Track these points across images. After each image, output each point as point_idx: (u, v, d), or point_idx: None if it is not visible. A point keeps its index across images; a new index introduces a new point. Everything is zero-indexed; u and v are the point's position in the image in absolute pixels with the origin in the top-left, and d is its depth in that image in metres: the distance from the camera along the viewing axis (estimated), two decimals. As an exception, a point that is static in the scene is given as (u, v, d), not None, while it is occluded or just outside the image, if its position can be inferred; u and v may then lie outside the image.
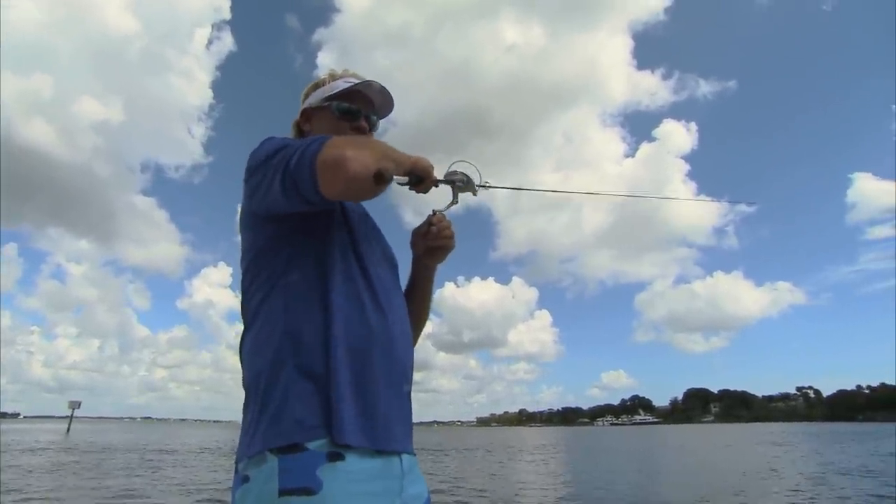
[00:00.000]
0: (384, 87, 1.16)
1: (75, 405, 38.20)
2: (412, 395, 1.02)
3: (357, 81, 1.15)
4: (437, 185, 0.97)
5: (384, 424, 0.87)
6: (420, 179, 0.91)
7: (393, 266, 1.11)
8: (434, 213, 1.14)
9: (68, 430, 45.18)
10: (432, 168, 0.94)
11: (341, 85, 1.16)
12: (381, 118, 1.22)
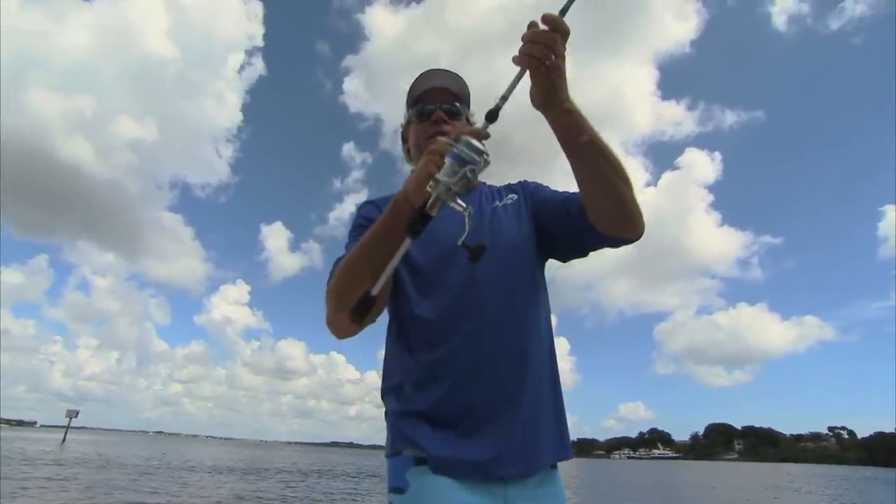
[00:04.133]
0: (441, 70, 1.18)
1: (73, 414, 36.93)
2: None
3: (418, 78, 1.20)
4: (449, 199, 0.81)
5: (464, 432, 0.97)
6: (424, 218, 0.79)
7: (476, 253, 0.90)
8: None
9: (63, 440, 43.95)
10: (420, 175, 0.85)
11: (414, 92, 1.21)
12: (463, 99, 1.20)
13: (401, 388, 1.03)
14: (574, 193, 1.07)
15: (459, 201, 0.81)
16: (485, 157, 0.79)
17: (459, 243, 0.82)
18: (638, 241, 1.05)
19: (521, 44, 0.83)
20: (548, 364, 1.06)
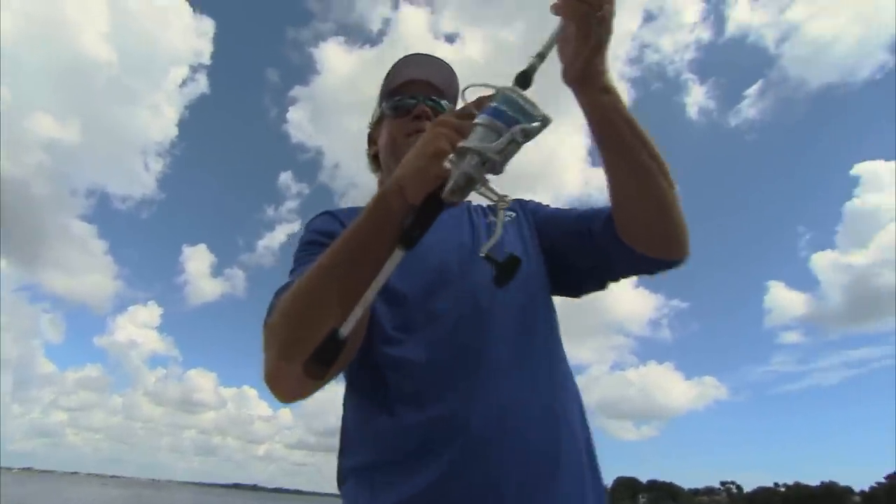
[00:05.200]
0: (426, 56, 0.95)
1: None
2: None
3: (395, 65, 0.95)
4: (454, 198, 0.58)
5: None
6: (429, 213, 0.59)
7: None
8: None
9: None
10: (421, 157, 0.61)
11: (390, 79, 0.96)
12: (450, 97, 0.96)
13: (373, 468, 0.72)
14: (593, 209, 0.88)
15: (494, 188, 0.58)
16: (542, 114, 0.57)
17: (482, 255, 0.58)
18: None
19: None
20: (580, 422, 0.79)
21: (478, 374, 0.72)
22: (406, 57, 0.94)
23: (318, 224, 0.89)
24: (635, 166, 0.73)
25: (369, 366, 0.76)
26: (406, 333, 0.76)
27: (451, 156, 0.57)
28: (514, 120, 0.57)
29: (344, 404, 0.83)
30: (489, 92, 0.61)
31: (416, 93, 0.93)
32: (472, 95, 0.64)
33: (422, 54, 0.95)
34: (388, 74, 0.96)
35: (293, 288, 0.67)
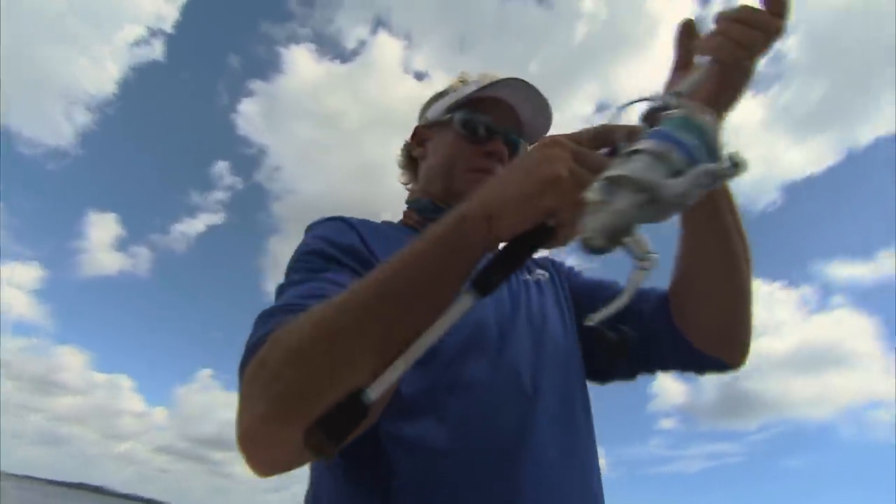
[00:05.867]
0: (533, 88, 0.78)
1: None
2: None
3: (492, 82, 0.78)
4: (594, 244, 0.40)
5: None
6: (539, 236, 0.44)
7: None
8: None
9: None
10: (547, 183, 0.43)
11: (471, 88, 0.79)
12: (532, 139, 0.81)
13: None
14: (640, 290, 0.67)
15: (643, 240, 0.40)
16: (739, 157, 0.39)
17: (592, 323, 0.42)
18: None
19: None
20: None
21: (521, 468, 0.57)
22: (507, 78, 0.79)
23: (330, 232, 0.66)
24: (727, 247, 0.64)
25: (368, 440, 0.55)
26: (428, 403, 0.58)
27: (596, 184, 0.40)
28: (695, 156, 0.40)
29: (314, 481, 0.64)
30: (636, 109, 0.49)
31: (503, 125, 0.79)
32: (600, 118, 0.54)
33: (526, 81, 0.79)
34: (470, 80, 0.84)
35: (312, 319, 0.46)
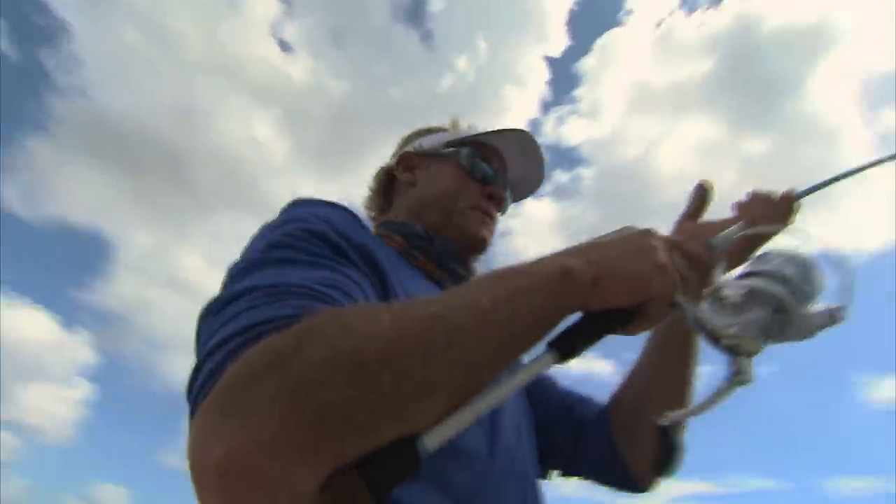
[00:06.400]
0: (537, 147, 0.82)
1: None
2: None
3: (496, 130, 0.81)
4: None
5: None
6: (627, 316, 0.45)
7: None
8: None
9: None
10: (659, 269, 0.45)
11: (470, 132, 0.83)
12: (517, 199, 0.89)
13: None
14: (583, 396, 0.81)
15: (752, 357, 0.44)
16: (837, 311, 0.46)
17: (667, 422, 0.46)
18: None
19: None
20: None
21: None
22: (520, 130, 0.81)
23: (341, 222, 0.55)
24: (689, 378, 0.70)
25: None
26: (430, 469, 0.46)
27: (737, 287, 0.46)
28: (810, 295, 0.46)
29: None
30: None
31: (503, 173, 0.83)
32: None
33: (533, 139, 0.82)
34: (462, 125, 0.87)
35: (385, 324, 0.36)
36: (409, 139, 0.89)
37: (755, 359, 0.43)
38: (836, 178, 0.61)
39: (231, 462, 0.31)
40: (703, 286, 0.48)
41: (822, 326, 0.44)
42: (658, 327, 0.66)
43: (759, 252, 0.52)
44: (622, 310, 0.44)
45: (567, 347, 0.41)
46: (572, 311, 0.43)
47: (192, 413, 0.37)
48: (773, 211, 0.63)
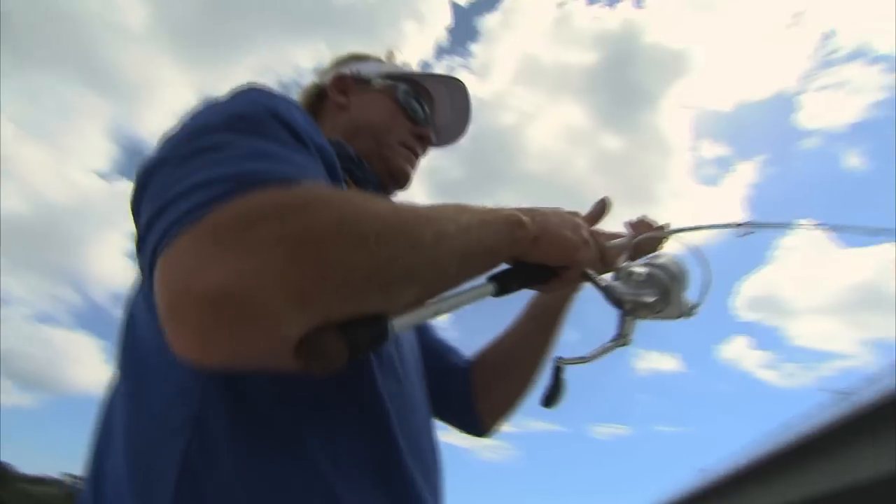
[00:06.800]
0: (467, 99, 0.87)
1: None
2: None
3: (434, 75, 0.85)
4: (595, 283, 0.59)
5: None
6: (549, 274, 0.56)
7: None
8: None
9: None
10: (582, 244, 0.58)
11: (408, 69, 0.87)
12: (437, 145, 0.90)
13: None
14: (451, 345, 0.88)
15: (635, 325, 0.58)
16: (690, 307, 0.63)
17: (558, 363, 0.56)
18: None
19: None
20: None
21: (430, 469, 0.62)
22: (453, 78, 0.86)
23: (299, 115, 0.53)
24: (550, 346, 0.84)
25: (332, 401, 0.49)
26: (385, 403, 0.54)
27: (640, 268, 0.61)
28: (670, 283, 0.60)
29: (201, 409, 0.45)
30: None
31: (433, 117, 0.85)
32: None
33: (465, 88, 0.87)
34: (399, 58, 0.89)
35: (384, 211, 0.41)
36: (342, 61, 0.88)
37: (635, 328, 0.57)
38: (700, 227, 0.74)
39: (228, 291, 0.32)
40: (607, 268, 0.61)
41: (684, 315, 0.61)
42: (535, 302, 0.84)
43: (652, 254, 0.67)
44: (548, 268, 0.54)
45: (504, 284, 0.50)
46: (512, 257, 0.52)
47: (158, 249, 0.36)
48: (651, 232, 0.74)
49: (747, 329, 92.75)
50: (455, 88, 0.86)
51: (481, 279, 0.49)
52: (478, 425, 0.85)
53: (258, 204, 0.35)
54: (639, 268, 0.60)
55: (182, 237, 0.35)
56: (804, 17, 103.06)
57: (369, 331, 0.37)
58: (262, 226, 0.34)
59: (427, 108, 0.83)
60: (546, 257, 0.53)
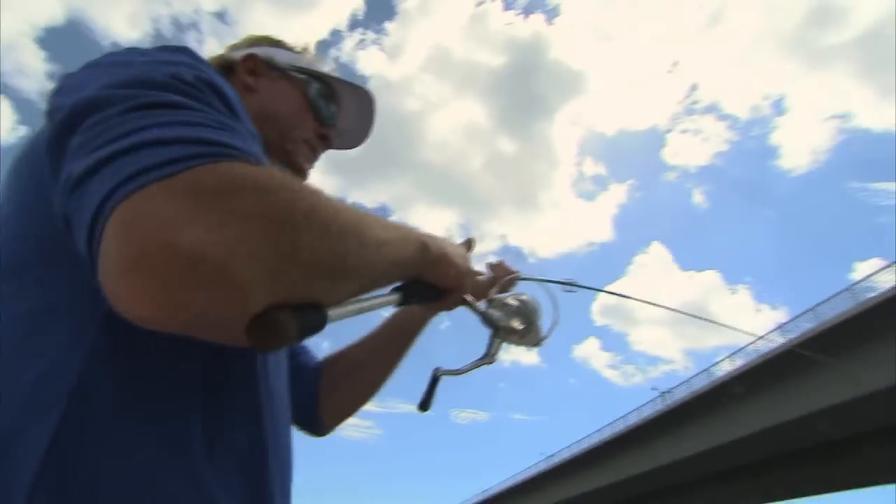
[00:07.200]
0: (372, 112, 0.90)
1: None
2: None
3: (346, 81, 0.85)
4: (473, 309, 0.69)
5: None
6: (437, 294, 0.64)
7: None
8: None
9: None
10: (468, 273, 0.69)
11: (325, 68, 0.85)
12: (334, 147, 0.89)
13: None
14: (305, 346, 0.89)
15: (502, 347, 0.70)
16: (540, 339, 0.74)
17: (440, 374, 0.66)
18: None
19: None
20: None
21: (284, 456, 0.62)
22: (363, 89, 0.86)
23: (233, 95, 0.51)
24: (398, 361, 0.88)
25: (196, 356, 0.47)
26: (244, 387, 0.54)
27: (511, 299, 0.72)
28: (528, 319, 0.72)
29: (82, 379, 0.41)
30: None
31: (338, 122, 0.86)
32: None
33: (373, 102, 0.89)
34: (313, 53, 0.88)
35: (337, 207, 0.41)
36: (256, 42, 0.86)
37: (502, 349, 0.68)
38: (552, 281, 0.83)
39: (205, 252, 0.31)
40: (479, 297, 0.71)
41: (537, 343, 0.73)
42: (393, 320, 0.88)
43: (515, 291, 0.77)
44: (436, 288, 0.62)
45: (405, 296, 0.57)
46: (415, 274, 0.59)
47: (113, 196, 0.33)
48: (507, 275, 0.82)
49: (599, 332, 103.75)
50: (363, 98, 0.87)
51: (388, 288, 0.55)
52: (317, 425, 0.88)
53: (240, 174, 0.35)
54: (510, 300, 0.71)
55: (154, 188, 0.32)
56: (679, 66, 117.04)
57: (316, 316, 0.38)
58: (242, 197, 0.34)
59: (334, 110, 0.84)
60: (438, 279, 0.61)
